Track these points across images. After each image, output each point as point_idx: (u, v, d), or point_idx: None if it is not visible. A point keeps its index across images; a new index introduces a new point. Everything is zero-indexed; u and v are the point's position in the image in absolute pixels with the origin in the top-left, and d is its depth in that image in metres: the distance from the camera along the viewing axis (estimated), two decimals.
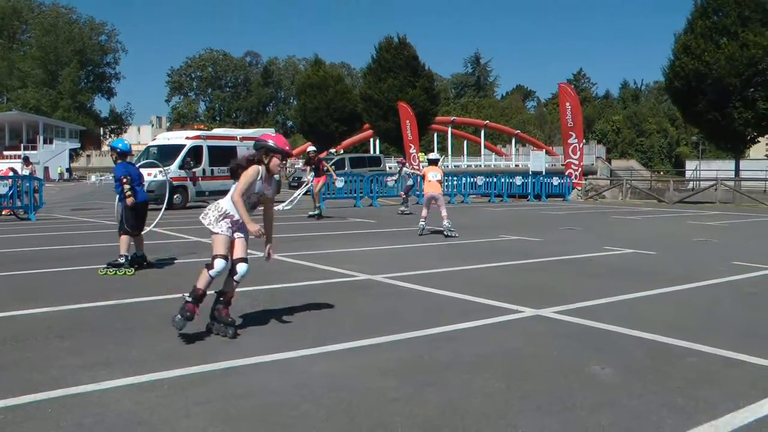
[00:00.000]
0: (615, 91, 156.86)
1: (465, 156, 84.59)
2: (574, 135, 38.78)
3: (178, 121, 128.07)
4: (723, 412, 4.71)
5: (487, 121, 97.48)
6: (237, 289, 7.03)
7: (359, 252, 13.47)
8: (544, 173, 40.83)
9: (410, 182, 26.92)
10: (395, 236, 16.30)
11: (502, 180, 36.06)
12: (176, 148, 29.30)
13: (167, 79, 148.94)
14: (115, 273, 10.57)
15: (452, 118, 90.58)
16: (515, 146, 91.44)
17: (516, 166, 68.06)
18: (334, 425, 4.38)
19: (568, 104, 39.02)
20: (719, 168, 52.45)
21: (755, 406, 4.86)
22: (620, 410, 4.73)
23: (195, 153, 29.26)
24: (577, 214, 25.97)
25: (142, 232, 11.54)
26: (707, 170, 55.38)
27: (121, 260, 10.85)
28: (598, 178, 48.42)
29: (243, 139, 31.36)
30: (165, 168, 25.01)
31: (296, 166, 70.02)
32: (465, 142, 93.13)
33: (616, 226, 21.18)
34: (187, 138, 29.98)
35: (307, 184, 25.76)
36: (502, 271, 11.22)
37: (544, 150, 65.30)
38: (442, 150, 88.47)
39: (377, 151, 72.04)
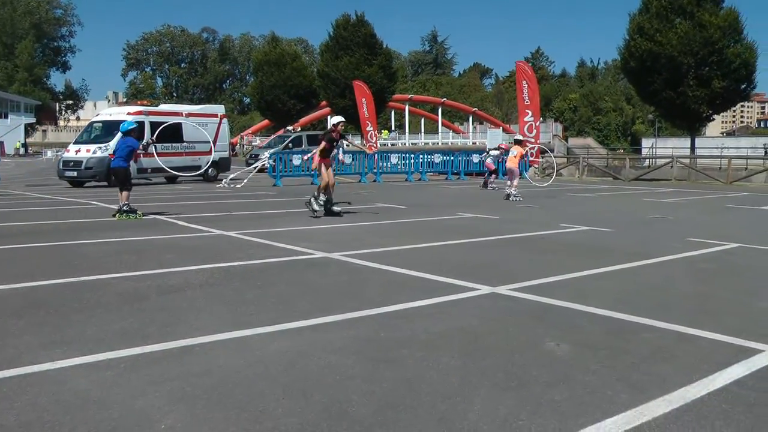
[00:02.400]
0: (572, 69, 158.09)
1: (422, 134, 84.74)
2: (530, 113, 38.86)
3: (135, 96, 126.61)
4: (676, 386, 4.79)
5: (445, 99, 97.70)
6: (193, 267, 6.95)
7: (317, 230, 13.44)
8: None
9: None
10: (352, 214, 16.27)
11: (460, 158, 36.11)
12: (117, 125, 28.30)
13: (123, 54, 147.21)
14: (129, 217, 14.53)
15: (410, 95, 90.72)
16: (473, 124, 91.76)
17: (473, 143, 68.27)
18: (290, 403, 4.38)
19: (524, 82, 39.08)
20: (675, 146, 53.06)
21: (707, 379, 4.96)
22: (575, 385, 4.79)
23: (136, 129, 28.19)
24: (534, 192, 26.13)
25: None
26: (663, 148, 55.96)
27: (125, 208, 14.69)
28: (555, 155, 48.78)
29: (189, 115, 30.69)
30: (104, 144, 24.70)
31: (253, 144, 69.73)
32: (422, 120, 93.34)
33: (572, 203, 21.38)
34: (128, 114, 28.47)
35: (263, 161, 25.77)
36: (459, 249, 11.27)
37: (501, 128, 65.57)
38: (400, 128, 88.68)
39: None
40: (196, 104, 57.76)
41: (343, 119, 16.76)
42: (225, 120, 32.88)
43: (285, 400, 4.43)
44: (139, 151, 15.86)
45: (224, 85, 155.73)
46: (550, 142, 57.64)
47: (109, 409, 4.24)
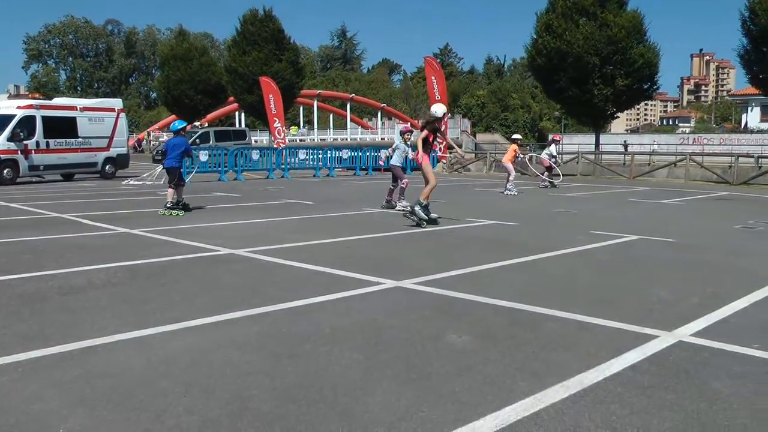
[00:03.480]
0: (480, 66, 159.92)
1: (331, 129, 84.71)
2: None
3: (38, 90, 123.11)
4: (574, 373, 4.94)
5: (353, 95, 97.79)
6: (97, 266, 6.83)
7: (223, 226, 13.32)
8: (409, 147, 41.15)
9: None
10: (259, 210, 16.19)
11: (367, 153, 36.22)
12: (4, 119, 26.88)
13: (24, 46, 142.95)
14: (171, 213, 15.11)
15: (318, 91, 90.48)
16: (381, 119, 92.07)
17: (382, 139, 68.50)
18: (192, 400, 4.35)
19: (433, 78, 39.49)
20: (581, 142, 54.04)
21: (604, 365, 5.13)
22: (475, 376, 4.88)
23: (27, 124, 27.09)
24: (441, 187, 26.32)
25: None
26: (569, 144, 56.91)
27: (169, 204, 15.41)
28: (463, 151, 49.33)
29: (84, 109, 29.74)
30: None
31: (160, 139, 68.58)
32: (331, 116, 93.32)
33: (479, 197, 21.69)
34: (18, 108, 27.81)
35: None
36: (364, 244, 11.34)
37: (409, 123, 65.94)
38: (309, 123, 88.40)
39: (243, 125, 71.24)
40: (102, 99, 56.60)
41: (446, 109, 14.69)
42: (123, 115, 32.00)
43: (187, 398, 4.41)
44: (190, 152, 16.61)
45: (131, 80, 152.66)
46: (458, 138, 58.23)
47: (6, 415, 4.13)
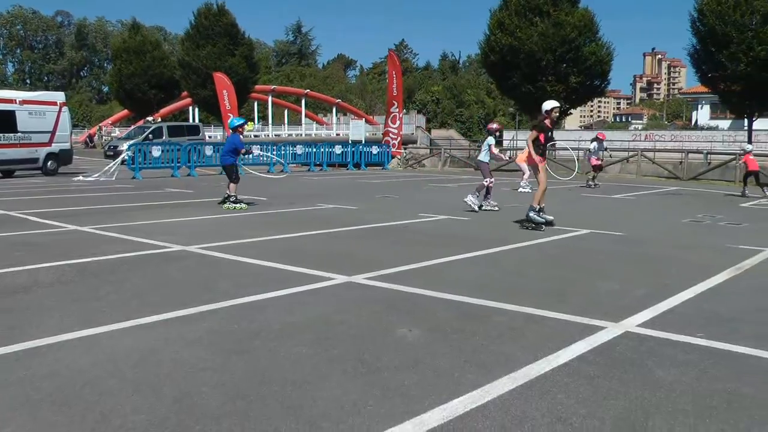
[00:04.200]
0: (435, 62, 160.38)
1: (286, 125, 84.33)
2: (396, 104, 39.38)
3: None
4: (521, 365, 5.00)
5: (308, 90, 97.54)
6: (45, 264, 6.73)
7: (175, 223, 13.23)
8: (363, 142, 41.27)
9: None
10: (212, 206, 16.09)
11: (322, 149, 36.18)
12: None
13: None
14: (235, 207, 15.61)
15: (272, 87, 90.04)
16: (336, 115, 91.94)
17: (337, 135, 68.42)
18: (140, 399, 4.31)
19: (394, 73, 39.55)
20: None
21: (552, 356, 5.20)
22: (424, 369, 4.91)
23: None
24: (395, 183, 26.44)
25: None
26: (524, 140, 57.31)
27: (232, 199, 15.81)
28: (417, 147, 49.48)
29: (24, 102, 28.78)
30: None
31: (112, 135, 67.81)
32: (286, 111, 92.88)
33: (432, 193, 21.78)
34: None
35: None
36: (317, 240, 11.33)
37: (364, 119, 65.95)
38: (263, 119, 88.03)
39: (196, 120, 70.70)
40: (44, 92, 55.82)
41: (557, 104, 13.23)
42: (66, 108, 30.96)
43: (134, 396, 4.36)
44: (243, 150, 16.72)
45: (82, 73, 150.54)
46: (413, 134, 58.38)
47: None
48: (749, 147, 24.24)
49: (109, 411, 4.14)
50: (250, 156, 18.81)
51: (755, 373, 4.97)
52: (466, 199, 15.89)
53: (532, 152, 12.65)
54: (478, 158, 17.49)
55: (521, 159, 22.51)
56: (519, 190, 22.21)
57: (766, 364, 5.18)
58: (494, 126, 17.79)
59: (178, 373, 4.77)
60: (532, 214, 12.50)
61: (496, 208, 15.49)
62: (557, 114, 12.99)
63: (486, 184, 16.16)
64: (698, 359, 5.23)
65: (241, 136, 16.55)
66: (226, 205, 15.76)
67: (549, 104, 12.82)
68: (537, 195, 12.69)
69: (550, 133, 12.82)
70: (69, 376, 4.72)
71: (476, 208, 15.52)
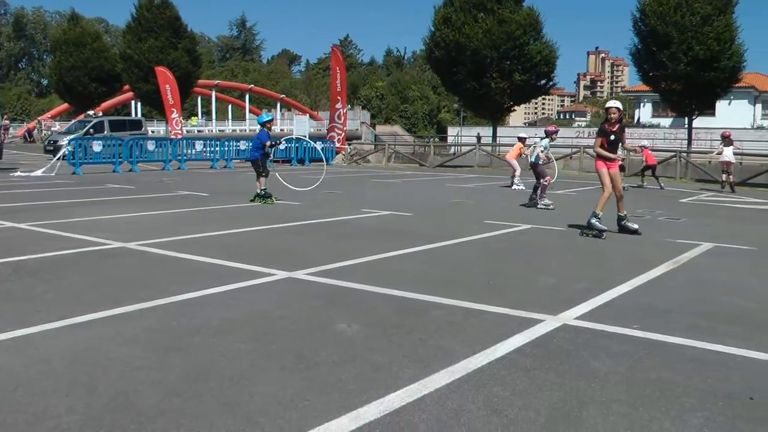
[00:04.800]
0: (380, 58, 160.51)
1: (230, 120, 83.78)
2: (340, 99, 39.33)
3: None
4: (459, 359, 5.05)
5: (252, 86, 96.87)
6: None
7: (115, 219, 13.02)
8: (308, 138, 41.15)
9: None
10: (154, 202, 15.91)
11: None
12: None
13: None
14: (265, 201, 15.93)
15: (216, 81, 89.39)
16: (280, 111, 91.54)
17: (281, 130, 68.12)
18: (74, 399, 4.25)
19: (338, 69, 39.48)
20: (479, 134, 54.73)
21: (489, 350, 5.26)
22: (363, 364, 4.93)
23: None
24: (339, 178, 26.40)
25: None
26: (468, 136, 57.58)
27: (262, 193, 16.15)
28: (362, 142, 49.49)
29: None
30: None
31: (52, 129, 66.61)
32: (230, 107, 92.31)
33: (376, 189, 21.80)
34: None
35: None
36: (258, 235, 11.29)
37: (308, 115, 65.80)
38: (207, 114, 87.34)
39: (139, 114, 69.83)
40: None
41: (612, 104, 12.25)
42: None
43: (69, 397, 4.30)
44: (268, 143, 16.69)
45: (20, 65, 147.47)
46: (358, 130, 58.38)
47: None
48: (646, 143, 26.52)
49: (42, 412, 4.06)
50: (277, 149, 18.35)
51: (687, 362, 5.10)
52: (539, 206, 15.92)
53: (605, 154, 11.85)
54: (530, 161, 17.33)
55: (511, 156, 22.76)
56: (513, 187, 22.25)
57: (698, 354, 5.31)
58: (551, 129, 17.93)
59: (114, 372, 4.71)
60: (594, 220, 11.83)
61: (551, 207, 15.61)
62: (614, 115, 11.86)
63: (544, 183, 16.31)
64: (633, 350, 5.34)
65: (268, 132, 16.90)
66: (259, 201, 16.09)
67: (609, 104, 12.24)
68: (600, 202, 11.90)
69: (612, 136, 11.80)
70: (1, 378, 4.61)
71: (552, 206, 15.63)
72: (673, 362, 5.09)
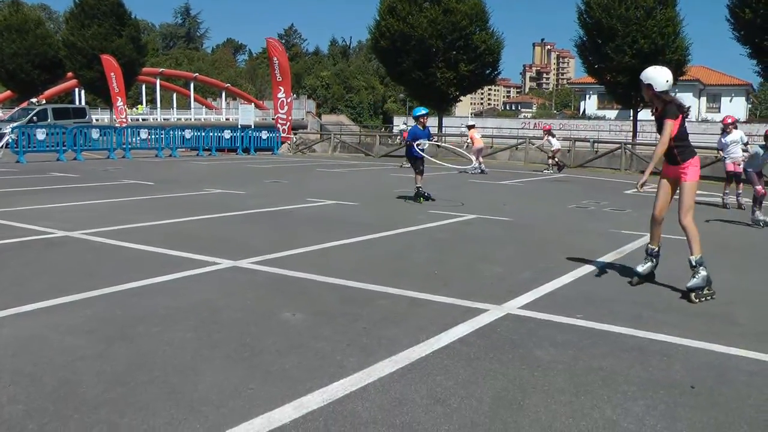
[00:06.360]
0: (325, 47, 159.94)
1: (174, 109, 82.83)
2: (282, 89, 39.10)
3: None
4: (403, 347, 5.11)
5: (197, 74, 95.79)
6: None
7: (59, 208, 12.83)
8: (253, 127, 40.91)
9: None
10: (98, 191, 15.70)
11: (211, 134, 35.69)
12: None
13: None
14: (419, 200, 14.99)
15: (160, 69, 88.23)
16: (225, 100, 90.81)
17: (226, 119, 67.62)
18: (17, 389, 4.23)
19: (275, 59, 39.20)
20: (427, 124, 54.89)
21: (433, 339, 5.33)
22: (307, 352, 4.97)
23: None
24: (284, 168, 26.33)
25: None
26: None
27: (417, 191, 15.18)
28: (308, 132, 49.33)
29: None
30: None
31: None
32: (174, 95, 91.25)
33: (321, 178, 21.78)
34: None
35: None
36: (203, 224, 11.22)
37: (253, 104, 65.35)
38: (151, 102, 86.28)
39: (83, 102, 68.69)
40: None
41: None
42: None
43: (12, 387, 4.27)
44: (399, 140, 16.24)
45: None
46: (303, 119, 58.17)
47: None
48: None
49: None
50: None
51: (629, 351, 5.22)
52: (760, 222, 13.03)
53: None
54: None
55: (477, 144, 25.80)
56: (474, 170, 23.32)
57: (639, 343, 5.43)
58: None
59: (58, 362, 4.69)
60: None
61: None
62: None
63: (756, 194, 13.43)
64: (576, 339, 5.45)
65: (420, 127, 15.78)
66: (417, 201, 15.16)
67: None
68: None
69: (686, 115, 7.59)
70: None
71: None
72: (616, 351, 5.20)
